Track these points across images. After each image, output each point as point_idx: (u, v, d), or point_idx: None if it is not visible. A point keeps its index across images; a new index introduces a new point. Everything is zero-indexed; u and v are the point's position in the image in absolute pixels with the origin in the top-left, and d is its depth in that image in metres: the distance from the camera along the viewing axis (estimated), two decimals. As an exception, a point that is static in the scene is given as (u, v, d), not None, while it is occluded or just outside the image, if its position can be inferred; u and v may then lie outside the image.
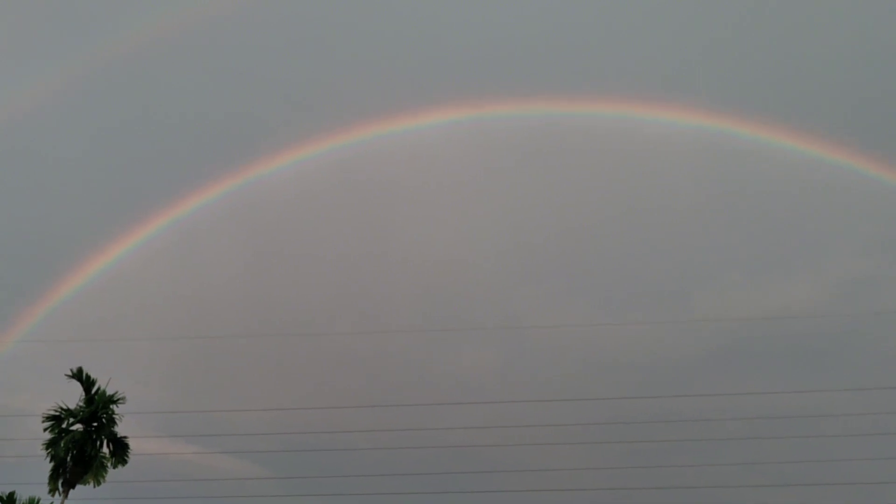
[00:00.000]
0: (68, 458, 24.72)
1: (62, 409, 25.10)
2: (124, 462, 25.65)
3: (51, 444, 24.74)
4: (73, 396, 25.46)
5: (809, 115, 37.34)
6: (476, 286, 42.62)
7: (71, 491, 24.76)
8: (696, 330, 37.27)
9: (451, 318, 40.39)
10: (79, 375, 25.52)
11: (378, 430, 33.31)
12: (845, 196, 40.26)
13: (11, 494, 25.27)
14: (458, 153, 43.24)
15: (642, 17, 41.27)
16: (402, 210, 44.97)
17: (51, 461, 24.74)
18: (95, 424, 25.24)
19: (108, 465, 25.45)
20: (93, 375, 25.48)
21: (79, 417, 25.03)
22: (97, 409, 25.18)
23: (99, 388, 25.51)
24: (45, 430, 24.98)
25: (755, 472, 32.85)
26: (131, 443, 25.84)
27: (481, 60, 42.05)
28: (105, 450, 25.35)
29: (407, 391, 37.00)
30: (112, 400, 25.42)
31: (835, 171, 37.74)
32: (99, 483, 25.37)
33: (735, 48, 41.01)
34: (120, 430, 25.62)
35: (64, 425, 25.00)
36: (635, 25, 41.55)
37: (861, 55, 40.34)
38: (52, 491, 24.60)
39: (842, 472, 32.03)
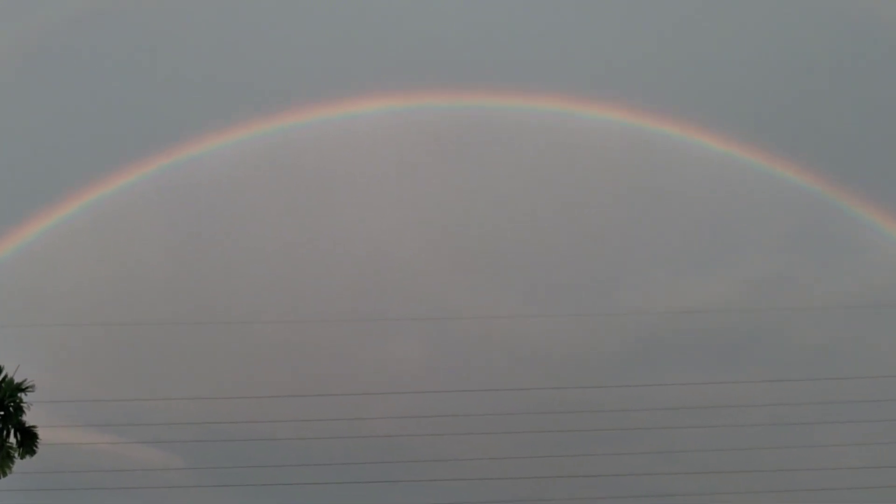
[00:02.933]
0: (-28, 449, 23.61)
1: (-34, 397, 23.95)
2: (32, 452, 24.63)
3: (-47, 435, 23.58)
4: (-21, 384, 24.24)
5: (731, 117, 38.76)
6: (404, 277, 42.55)
7: (-26, 483, 23.71)
8: (619, 323, 38.21)
9: (378, 308, 40.23)
10: (-16, 362, 24.40)
11: (302, 419, 32.98)
12: (761, 196, 41.94)
13: None
14: (389, 143, 43.06)
15: (574, 14, 42.02)
16: (331, 199, 44.49)
17: (-47, 452, 23.58)
18: (2, 413, 24.15)
19: (16, 455, 24.45)
20: (0, 362, 24.48)
21: (-17, 406, 23.95)
22: (4, 397, 24.07)
23: (6, 376, 24.41)
24: (-54, 419, 23.79)
25: (672, 461, 33.91)
26: (42, 432, 24.88)
27: (415, 50, 41.98)
28: (12, 440, 24.32)
29: (332, 381, 36.65)
30: (20, 388, 24.32)
31: (752, 172, 39.27)
32: (5, 474, 24.32)
33: (664, 49, 42.20)
34: (29, 419, 24.61)
35: (-32, 414, 23.87)
36: (567, 22, 42.26)
37: (780, 62, 42.12)
38: (-45, 483, 23.48)
39: (752, 459, 33.43)
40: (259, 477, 32.83)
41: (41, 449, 25.53)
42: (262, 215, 43.00)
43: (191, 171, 39.86)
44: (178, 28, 41.56)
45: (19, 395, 24.70)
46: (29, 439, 24.92)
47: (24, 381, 24.83)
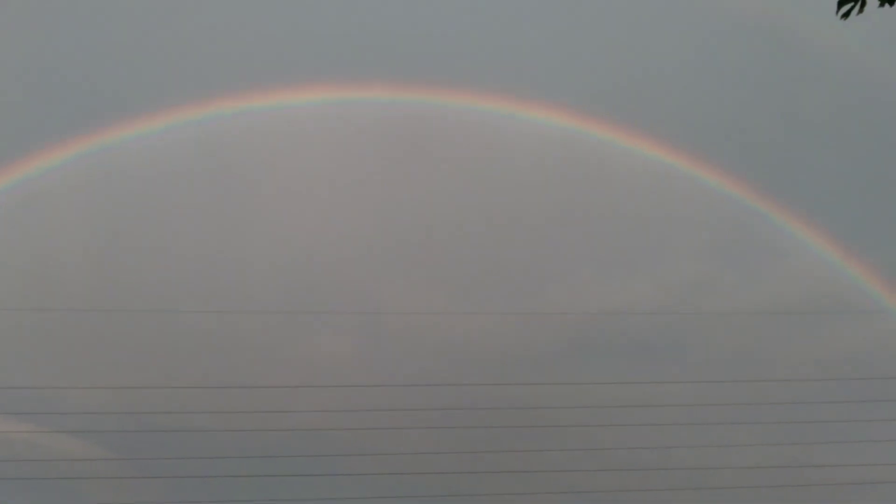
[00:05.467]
0: None
1: None
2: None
3: None
4: None
5: (662, 124, 39.59)
6: (333, 271, 42.32)
7: None
8: (546, 322, 38.80)
9: (308, 301, 39.95)
10: None
11: (228, 411, 32.63)
12: (688, 202, 43.02)
13: None
14: (326, 136, 42.64)
15: (518, 13, 42.32)
16: (264, 190, 43.87)
17: None
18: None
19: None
20: None
21: None
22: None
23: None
24: None
25: (593, 457, 34.66)
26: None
27: (356, 42, 41.73)
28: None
29: (259, 373, 36.34)
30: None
31: (681, 178, 40.24)
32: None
33: (603, 53, 42.88)
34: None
35: None
36: (511, 20, 42.56)
37: (716, 72, 43.26)
38: None
39: (671, 457, 34.48)
40: (182, 468, 32.40)
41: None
42: (188, 204, 42.11)
43: (112, 156, 38.74)
44: (101, 4, 40.28)
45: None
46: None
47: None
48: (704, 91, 42.76)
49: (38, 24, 39.70)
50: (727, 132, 42.28)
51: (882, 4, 7.26)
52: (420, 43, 41.63)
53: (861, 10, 7.60)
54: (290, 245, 41.57)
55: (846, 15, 7.67)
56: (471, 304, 39.56)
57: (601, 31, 41.84)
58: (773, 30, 40.27)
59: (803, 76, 42.53)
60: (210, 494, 32.35)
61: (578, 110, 37.74)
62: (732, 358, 39.63)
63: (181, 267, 40.49)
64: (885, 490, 32.90)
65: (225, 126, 38.73)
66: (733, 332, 39.60)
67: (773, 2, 38.75)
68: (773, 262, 42.39)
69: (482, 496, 34.49)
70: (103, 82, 40.42)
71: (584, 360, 39.66)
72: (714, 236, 43.34)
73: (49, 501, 32.61)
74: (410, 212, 42.83)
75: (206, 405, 32.63)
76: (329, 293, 40.38)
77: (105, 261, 40.16)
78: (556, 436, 34.46)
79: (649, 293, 41.05)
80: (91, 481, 32.87)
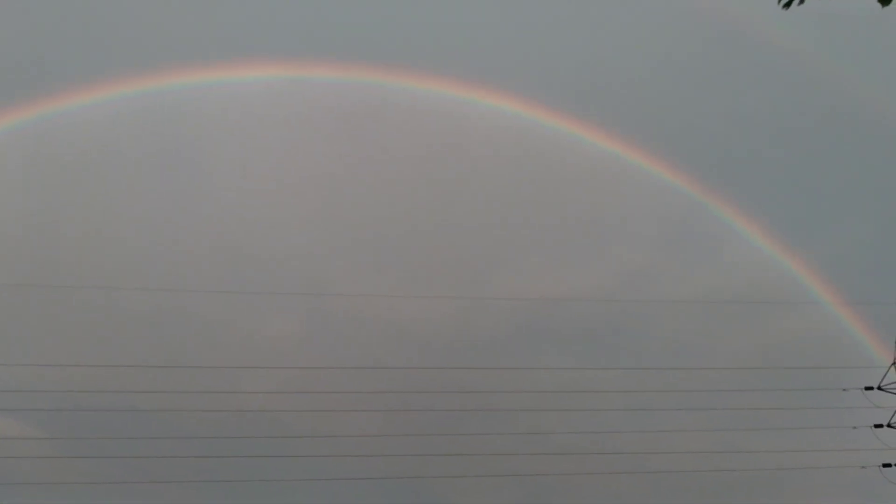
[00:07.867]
0: None
1: None
2: None
3: None
4: None
5: (613, 117, 40.12)
6: (283, 251, 41.75)
7: None
8: (494, 307, 39.07)
9: (255, 281, 39.34)
10: None
11: (171, 391, 31.89)
12: (634, 193, 43.81)
13: None
14: (276, 114, 41.90)
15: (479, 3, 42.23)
16: (210, 167, 42.91)
17: None
18: None
19: None
20: None
21: None
22: None
23: None
24: None
25: (538, 442, 35.09)
26: None
27: (311, 21, 41.04)
28: None
29: (205, 353, 35.64)
30: None
31: (628, 170, 40.87)
32: None
33: (556, 46, 43.14)
34: None
35: None
36: (471, 9, 42.43)
37: (666, 68, 43.99)
38: None
39: (614, 442, 35.11)
40: (120, 449, 31.60)
41: None
42: (132, 179, 40.90)
43: (52, 127, 37.17)
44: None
45: None
46: None
47: None
48: (653, 85, 43.52)
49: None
50: (674, 127, 43.13)
51: None
52: (376, 23, 41.18)
53: (802, 1, 7.82)
54: (237, 224, 40.82)
55: (787, 5, 7.88)
56: (419, 288, 39.57)
57: (555, 25, 42.04)
58: (727, 31, 41.08)
59: (748, 73, 43.65)
60: (153, 475, 31.70)
61: (535, 100, 37.89)
62: (672, 345, 40.62)
63: (123, 243, 39.35)
64: (819, 474, 34.18)
65: (172, 100, 37.63)
66: (674, 320, 40.57)
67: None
68: (713, 253, 43.53)
69: (429, 478, 34.59)
70: (42, 48, 38.85)
71: (530, 345, 40.15)
72: (657, 227, 44.33)
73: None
74: (360, 194, 42.54)
75: (147, 385, 31.85)
76: (276, 274, 39.85)
77: (42, 235, 38.72)
78: (501, 420, 34.74)
79: (594, 281, 41.79)
80: (26, 461, 31.84)
